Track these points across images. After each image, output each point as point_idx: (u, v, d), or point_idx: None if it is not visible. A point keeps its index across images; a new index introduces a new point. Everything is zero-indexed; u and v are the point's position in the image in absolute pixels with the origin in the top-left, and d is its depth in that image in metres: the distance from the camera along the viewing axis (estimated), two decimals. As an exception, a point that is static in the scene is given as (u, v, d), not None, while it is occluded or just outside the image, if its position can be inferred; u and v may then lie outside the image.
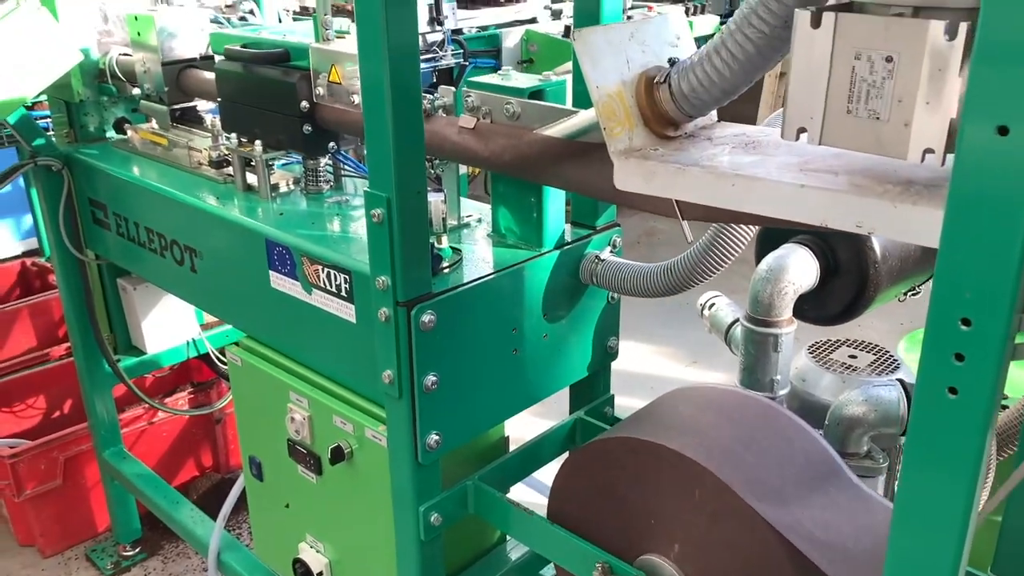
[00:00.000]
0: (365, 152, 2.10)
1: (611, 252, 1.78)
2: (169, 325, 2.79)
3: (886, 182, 1.04)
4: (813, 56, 1.01)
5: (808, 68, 1.02)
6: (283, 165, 2.17)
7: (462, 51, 4.74)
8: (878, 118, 0.98)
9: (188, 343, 2.87)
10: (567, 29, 4.85)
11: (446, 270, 1.62)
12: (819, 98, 1.02)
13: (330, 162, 2.06)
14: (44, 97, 2.61)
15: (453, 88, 1.74)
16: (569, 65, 5.07)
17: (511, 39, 4.93)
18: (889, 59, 0.94)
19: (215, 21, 2.36)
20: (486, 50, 4.96)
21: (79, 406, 2.95)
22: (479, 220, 1.89)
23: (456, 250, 1.69)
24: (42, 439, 2.91)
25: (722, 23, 5.90)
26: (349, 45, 1.82)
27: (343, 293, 1.68)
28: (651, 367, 4.42)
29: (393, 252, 1.43)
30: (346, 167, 2.05)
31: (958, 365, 0.82)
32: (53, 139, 2.59)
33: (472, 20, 4.85)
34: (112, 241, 2.42)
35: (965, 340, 0.81)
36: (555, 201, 1.70)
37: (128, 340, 2.83)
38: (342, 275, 1.66)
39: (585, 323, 1.81)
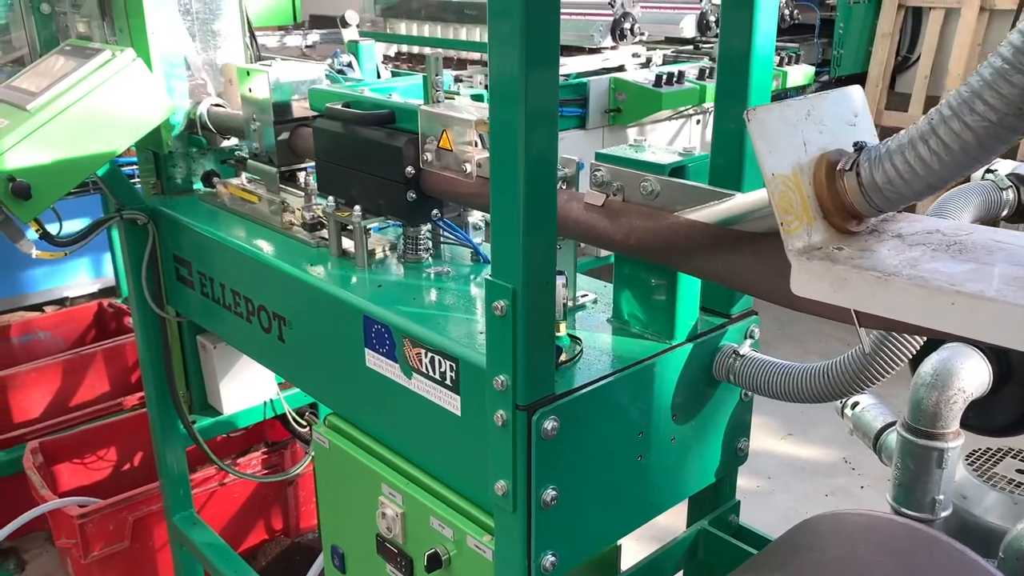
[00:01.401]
0: (470, 219, 1.97)
1: (749, 345, 1.58)
2: (247, 385, 2.66)
3: None
4: (1081, 158, 0.81)
5: (1073, 172, 0.82)
6: (379, 229, 2.02)
7: (549, 100, 4.56)
8: None
9: (265, 403, 2.74)
10: (658, 78, 4.69)
11: (566, 364, 1.44)
12: (1087, 210, 0.82)
13: (430, 228, 1.91)
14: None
15: (576, 159, 1.58)
16: (657, 115, 4.83)
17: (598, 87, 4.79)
18: None
19: (329, 77, 2.23)
20: (572, 99, 4.82)
21: (150, 459, 2.83)
22: (595, 301, 1.71)
23: (575, 339, 1.51)
24: (112, 499, 2.81)
25: (817, 73, 5.67)
26: (462, 108, 1.67)
27: (448, 382, 1.51)
28: (741, 437, 4.17)
29: (516, 350, 1.26)
30: (448, 236, 1.90)
31: None
32: (139, 189, 2.51)
33: (561, 68, 4.71)
34: (195, 300, 2.30)
35: None
36: (689, 286, 1.51)
37: (204, 399, 2.71)
38: (448, 362, 1.49)
39: (715, 423, 1.61)
